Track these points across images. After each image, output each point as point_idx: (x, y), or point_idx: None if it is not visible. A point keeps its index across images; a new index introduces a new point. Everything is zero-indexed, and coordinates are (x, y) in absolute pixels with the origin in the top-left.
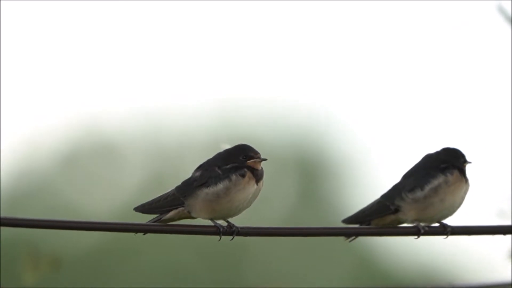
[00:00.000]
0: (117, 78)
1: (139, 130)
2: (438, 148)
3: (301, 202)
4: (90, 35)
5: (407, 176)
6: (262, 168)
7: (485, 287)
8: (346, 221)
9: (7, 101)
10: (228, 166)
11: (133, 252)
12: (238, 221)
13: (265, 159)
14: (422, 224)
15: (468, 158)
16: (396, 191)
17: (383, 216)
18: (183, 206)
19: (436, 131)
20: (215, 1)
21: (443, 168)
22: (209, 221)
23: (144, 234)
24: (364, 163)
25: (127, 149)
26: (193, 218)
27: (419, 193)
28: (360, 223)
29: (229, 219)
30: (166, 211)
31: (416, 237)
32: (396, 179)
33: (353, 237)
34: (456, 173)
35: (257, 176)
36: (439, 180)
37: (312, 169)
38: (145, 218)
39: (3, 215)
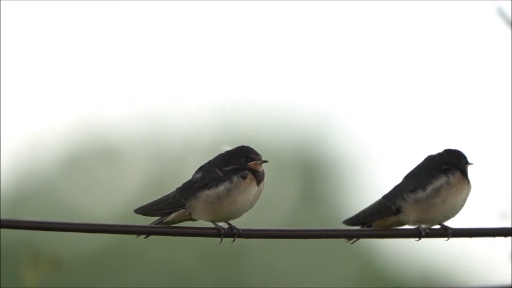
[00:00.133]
0: (119, 80)
1: (141, 133)
2: (440, 150)
3: (302, 204)
4: (91, 37)
5: (409, 177)
6: (263, 170)
7: None
8: (347, 222)
9: (8, 103)
10: (229, 168)
11: (134, 253)
12: (239, 223)
13: (266, 161)
14: (423, 226)
15: (469, 160)
16: (397, 191)
17: (384, 217)
18: (184, 208)
19: (437, 133)
20: (217, 2)
21: (445, 169)
22: (210, 223)
23: (146, 237)
24: (365, 165)
25: (129, 151)
26: (194, 220)
27: (420, 194)
28: (362, 224)
29: (230, 221)
30: (167, 213)
31: (417, 239)
32: (398, 180)
33: (355, 239)
34: (458, 174)
35: (258, 178)
36: (441, 181)
37: (313, 171)
38: (146, 220)
39: (3, 217)
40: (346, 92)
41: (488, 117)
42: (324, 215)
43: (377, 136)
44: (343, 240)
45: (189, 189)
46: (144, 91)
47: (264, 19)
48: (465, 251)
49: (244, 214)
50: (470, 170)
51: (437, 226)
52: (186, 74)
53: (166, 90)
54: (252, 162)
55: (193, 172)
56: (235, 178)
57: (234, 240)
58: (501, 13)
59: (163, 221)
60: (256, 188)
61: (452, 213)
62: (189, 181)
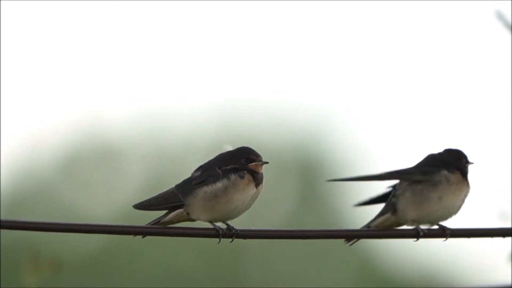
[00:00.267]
0: (118, 81)
1: (140, 133)
2: (441, 149)
3: (301, 204)
4: (91, 37)
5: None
6: (262, 172)
7: None
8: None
9: (8, 103)
10: (228, 167)
11: (133, 254)
12: (237, 223)
13: (267, 162)
14: (421, 226)
15: (470, 159)
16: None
17: (383, 215)
18: (182, 208)
19: (437, 133)
20: (216, 2)
21: (445, 168)
22: (209, 223)
23: (143, 237)
24: (365, 165)
25: (128, 151)
26: (193, 220)
27: (417, 186)
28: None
29: (228, 222)
30: (165, 210)
31: (415, 239)
32: (397, 180)
33: (354, 240)
34: (458, 173)
35: (257, 179)
36: (439, 176)
37: (312, 171)
38: (145, 221)
39: (3, 218)
40: (345, 92)
41: (488, 118)
42: (323, 216)
43: (376, 136)
44: (342, 240)
45: (187, 186)
46: (144, 91)
47: (264, 19)
48: (464, 251)
49: (243, 215)
50: (470, 170)
51: (435, 227)
52: (186, 74)
53: (166, 90)
54: (253, 164)
55: (192, 171)
56: (233, 177)
57: (232, 241)
58: (500, 16)
59: (161, 221)
60: (254, 189)
61: (450, 213)
62: (188, 178)
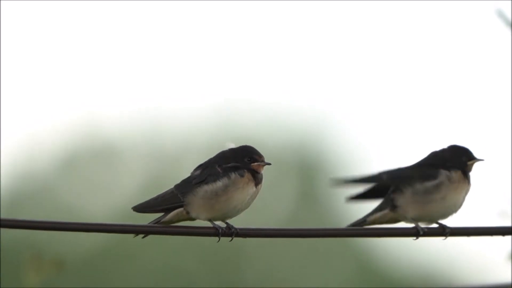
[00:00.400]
0: (117, 80)
1: (139, 133)
2: (444, 146)
3: (300, 203)
4: (90, 37)
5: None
6: (262, 173)
7: None
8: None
9: (7, 103)
10: (229, 165)
11: (134, 253)
12: (237, 222)
13: (269, 164)
14: (421, 225)
15: (476, 156)
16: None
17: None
18: (181, 207)
19: (436, 133)
20: (216, 3)
21: (447, 166)
22: (208, 222)
23: (143, 238)
24: (364, 165)
25: (127, 151)
26: (192, 219)
27: (419, 188)
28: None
29: (228, 221)
30: (165, 210)
31: (415, 238)
32: None
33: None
34: (458, 172)
35: (257, 179)
36: (441, 176)
37: (311, 171)
38: (145, 221)
39: (3, 216)
40: (344, 92)
41: (487, 116)
42: (322, 215)
43: (375, 136)
44: (341, 239)
45: (187, 185)
46: (143, 91)
47: (264, 19)
48: (464, 250)
49: (242, 213)
50: (474, 167)
51: (435, 225)
52: (185, 74)
53: (165, 90)
54: (255, 164)
55: (192, 171)
56: (233, 175)
57: (232, 239)
58: (501, 14)
59: (161, 220)
60: (254, 188)
61: (451, 211)
62: (188, 178)
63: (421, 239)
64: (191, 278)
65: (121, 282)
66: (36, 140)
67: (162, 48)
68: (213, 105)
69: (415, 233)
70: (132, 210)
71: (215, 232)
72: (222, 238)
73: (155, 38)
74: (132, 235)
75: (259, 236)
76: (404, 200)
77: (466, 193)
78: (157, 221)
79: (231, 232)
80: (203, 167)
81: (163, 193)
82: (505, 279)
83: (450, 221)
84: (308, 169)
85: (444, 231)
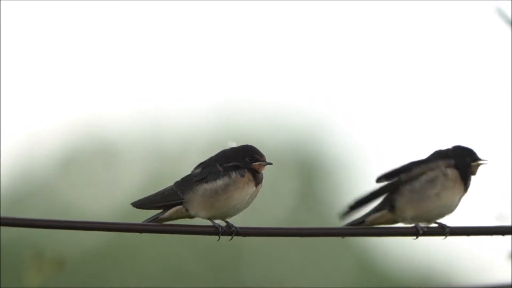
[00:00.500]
0: (117, 79)
1: (139, 132)
2: (442, 147)
3: (300, 202)
4: (90, 37)
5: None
6: (262, 173)
7: None
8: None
9: (7, 102)
10: (230, 164)
11: (134, 253)
12: (237, 221)
13: (271, 163)
14: (421, 224)
15: (482, 158)
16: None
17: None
18: (181, 204)
19: (436, 133)
20: (216, 3)
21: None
22: (208, 221)
23: (140, 233)
24: (363, 164)
25: (127, 150)
26: (191, 217)
27: (416, 185)
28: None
29: (228, 219)
30: (164, 207)
31: (414, 237)
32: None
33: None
34: (455, 170)
35: (257, 179)
36: (435, 165)
37: (311, 169)
38: (145, 218)
39: (3, 215)
40: (344, 92)
41: (487, 117)
42: (322, 214)
43: (374, 135)
44: (341, 239)
45: (187, 183)
46: (143, 90)
47: (264, 20)
48: (464, 250)
49: (242, 213)
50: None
51: (435, 225)
52: (185, 74)
53: (165, 89)
54: (257, 163)
55: (192, 169)
56: (233, 174)
57: (231, 238)
58: (500, 12)
59: (160, 217)
60: (254, 188)
61: (447, 210)
62: (188, 176)
63: (420, 238)
64: (191, 277)
65: (121, 282)
66: (36, 139)
67: (163, 48)
68: (213, 104)
69: (415, 232)
70: (131, 205)
71: (215, 231)
72: (222, 237)
73: (155, 38)
74: (132, 234)
75: (259, 235)
76: (402, 200)
77: (461, 194)
78: (156, 218)
79: (231, 231)
80: (204, 165)
81: (162, 189)
82: (505, 279)
83: (449, 221)
84: (308, 169)
85: (444, 231)
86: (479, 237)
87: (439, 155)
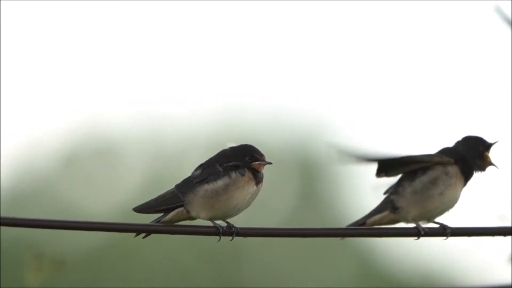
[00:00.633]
0: (118, 79)
1: (140, 132)
2: (440, 147)
3: (301, 203)
4: (91, 37)
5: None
6: (263, 172)
7: None
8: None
9: (8, 102)
10: (230, 164)
11: (134, 253)
12: (237, 221)
13: (270, 163)
14: (422, 225)
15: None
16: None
17: (382, 212)
18: (182, 206)
19: (435, 132)
20: (216, 3)
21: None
22: (209, 221)
23: (144, 238)
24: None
25: (128, 150)
26: (193, 219)
27: (418, 185)
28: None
29: (229, 220)
30: (165, 210)
31: (416, 238)
32: (396, 179)
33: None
34: (456, 167)
35: (258, 178)
36: (436, 171)
37: (312, 170)
38: (145, 220)
39: (3, 215)
40: (345, 92)
41: (487, 116)
42: (322, 214)
43: (375, 136)
44: (341, 239)
45: (188, 185)
46: (144, 91)
47: (264, 21)
48: (465, 250)
49: (243, 213)
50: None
51: (436, 225)
52: (186, 75)
53: (166, 90)
54: (256, 163)
55: (192, 170)
56: (233, 174)
57: (232, 239)
58: (499, 11)
59: (162, 220)
60: (254, 187)
61: (449, 207)
62: (189, 177)
63: (422, 239)
64: (191, 277)
65: (121, 281)
66: (36, 139)
67: (164, 49)
68: (214, 105)
69: (416, 233)
70: (132, 211)
71: (216, 232)
72: (223, 238)
73: (157, 39)
74: (132, 234)
75: (260, 235)
76: (405, 200)
77: (462, 188)
78: (157, 221)
79: (231, 232)
80: (204, 166)
81: (163, 193)
82: (505, 280)
83: (451, 221)
84: (309, 168)
85: (445, 231)
86: (480, 238)
87: (442, 152)
